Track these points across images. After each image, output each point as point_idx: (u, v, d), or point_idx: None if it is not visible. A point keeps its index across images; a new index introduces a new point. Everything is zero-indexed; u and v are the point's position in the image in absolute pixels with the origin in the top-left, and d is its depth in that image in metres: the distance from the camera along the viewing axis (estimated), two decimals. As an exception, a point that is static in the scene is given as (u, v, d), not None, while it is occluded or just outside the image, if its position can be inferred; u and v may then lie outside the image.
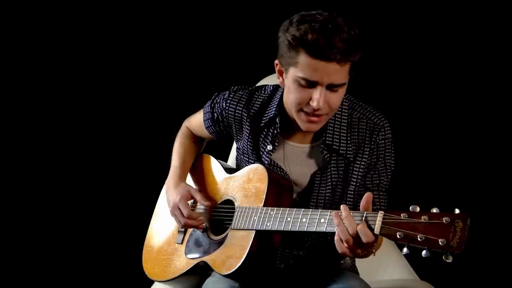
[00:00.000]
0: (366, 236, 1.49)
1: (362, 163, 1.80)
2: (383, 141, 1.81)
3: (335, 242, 1.55)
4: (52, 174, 2.89)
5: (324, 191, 1.81)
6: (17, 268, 2.87)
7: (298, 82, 1.67)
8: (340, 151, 1.80)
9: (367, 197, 1.53)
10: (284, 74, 1.73)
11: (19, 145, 2.87)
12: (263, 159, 1.86)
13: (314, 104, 1.66)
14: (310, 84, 1.65)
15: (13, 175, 2.87)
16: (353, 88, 2.15)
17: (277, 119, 1.83)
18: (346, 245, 1.53)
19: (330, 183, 1.81)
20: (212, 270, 1.88)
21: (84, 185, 2.91)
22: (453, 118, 2.69)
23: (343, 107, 1.82)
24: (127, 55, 2.85)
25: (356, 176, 1.81)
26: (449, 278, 2.44)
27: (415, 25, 2.64)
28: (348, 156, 1.80)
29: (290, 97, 1.72)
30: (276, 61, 1.75)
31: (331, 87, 1.66)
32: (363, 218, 1.51)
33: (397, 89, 2.68)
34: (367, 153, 1.80)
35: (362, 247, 1.52)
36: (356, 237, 1.51)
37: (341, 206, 1.55)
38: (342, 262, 1.75)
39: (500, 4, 2.55)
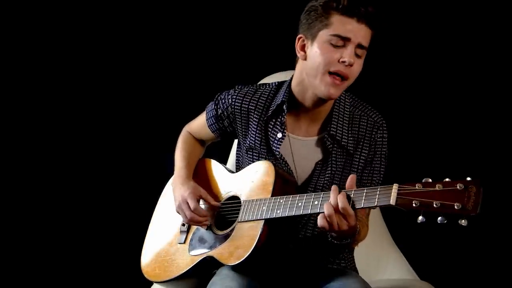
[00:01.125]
0: (342, 203, 1.60)
1: (362, 158, 1.88)
2: (380, 139, 1.89)
3: (318, 217, 1.64)
4: (52, 174, 2.87)
5: (323, 180, 1.87)
6: (17, 268, 2.82)
7: (329, 42, 1.76)
8: (342, 143, 1.87)
9: (351, 178, 1.66)
10: (307, 46, 1.81)
11: (19, 145, 2.85)
12: (273, 149, 1.90)
13: (346, 59, 1.75)
14: (343, 40, 1.75)
15: (13, 175, 2.85)
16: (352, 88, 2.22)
17: (284, 106, 1.89)
18: (327, 217, 1.62)
19: (329, 173, 1.87)
20: (217, 268, 1.87)
21: (83, 187, 2.88)
22: (448, 111, 2.74)
23: (346, 103, 1.91)
24: (129, 56, 2.87)
25: (355, 170, 1.88)
26: (449, 278, 2.47)
27: (406, 27, 2.72)
28: (348, 148, 1.87)
29: (318, 62, 1.78)
30: (300, 35, 1.83)
31: (358, 48, 1.77)
32: (364, 195, 1.61)
33: (394, 83, 2.74)
34: (367, 148, 1.88)
35: (341, 221, 1.62)
36: (336, 208, 1.61)
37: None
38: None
39: (498, 4, 2.64)
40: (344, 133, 1.88)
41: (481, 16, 2.67)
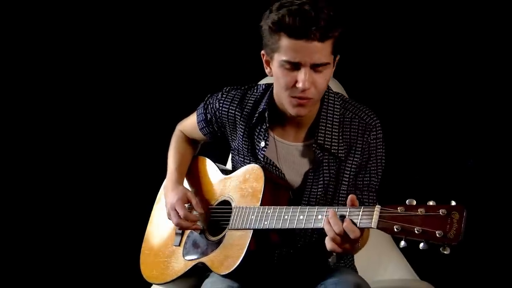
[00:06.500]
0: (352, 233, 1.51)
1: (354, 162, 1.81)
2: (374, 141, 1.81)
3: (326, 240, 1.57)
4: (49, 176, 2.89)
5: (316, 190, 1.82)
6: (16, 270, 2.86)
7: (283, 67, 1.68)
8: (332, 150, 1.80)
9: (351, 197, 1.57)
10: (270, 63, 1.74)
11: (19, 145, 2.87)
12: (258, 157, 1.86)
13: (300, 85, 1.66)
14: (294, 66, 1.66)
15: (12, 175, 2.87)
16: (347, 86, 2.16)
17: (266, 114, 1.84)
18: (335, 242, 1.55)
19: (322, 182, 1.81)
20: (211, 271, 1.87)
21: (81, 189, 2.90)
22: (445, 114, 2.70)
23: (335, 106, 1.83)
24: (128, 56, 2.85)
25: (348, 176, 1.81)
26: (449, 278, 2.44)
27: (406, 26, 2.67)
28: (339, 155, 1.80)
29: (279, 83, 1.73)
30: (262, 52, 1.76)
31: (315, 67, 1.66)
32: (347, 215, 1.53)
33: (390, 85, 2.69)
34: (359, 152, 1.81)
35: (350, 242, 1.54)
36: (343, 235, 1.53)
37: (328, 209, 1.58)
38: (329, 259, 1.74)
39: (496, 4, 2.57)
40: (334, 140, 1.80)
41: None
